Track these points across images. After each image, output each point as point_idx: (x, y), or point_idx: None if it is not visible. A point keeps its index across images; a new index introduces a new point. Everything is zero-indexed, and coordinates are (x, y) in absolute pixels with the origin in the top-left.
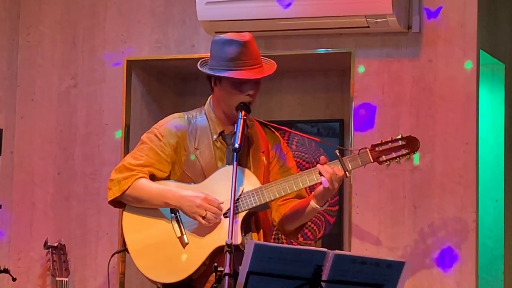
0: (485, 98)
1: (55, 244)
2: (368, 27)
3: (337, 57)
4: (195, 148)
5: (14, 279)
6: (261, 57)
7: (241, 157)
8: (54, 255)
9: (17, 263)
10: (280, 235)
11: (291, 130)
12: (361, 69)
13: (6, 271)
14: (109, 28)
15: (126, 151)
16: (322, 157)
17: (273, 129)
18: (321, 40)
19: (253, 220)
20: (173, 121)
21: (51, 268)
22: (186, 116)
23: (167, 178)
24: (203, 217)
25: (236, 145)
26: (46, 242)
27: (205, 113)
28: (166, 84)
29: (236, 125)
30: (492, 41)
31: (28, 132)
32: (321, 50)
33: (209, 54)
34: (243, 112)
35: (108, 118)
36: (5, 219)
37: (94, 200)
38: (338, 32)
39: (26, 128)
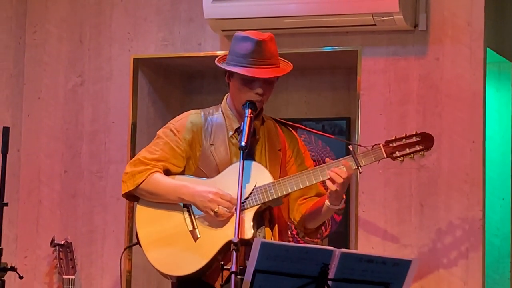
0: (492, 96)
1: (62, 242)
2: (375, 25)
3: (343, 55)
4: (210, 144)
5: (21, 277)
6: (280, 58)
7: (257, 155)
8: (60, 253)
9: (24, 261)
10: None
11: (308, 129)
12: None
13: (13, 269)
14: (115, 26)
15: (133, 149)
16: (327, 160)
17: (290, 128)
18: (328, 38)
19: (267, 216)
20: (190, 117)
21: (58, 266)
22: (202, 113)
23: (182, 173)
24: (215, 212)
25: (243, 143)
26: (52, 240)
27: (221, 110)
28: (172, 82)
29: (242, 123)
30: (499, 39)
31: (34, 130)
32: (328, 48)
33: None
34: (250, 110)
35: (114, 116)
36: (12, 217)
37: (100, 198)
38: (344, 30)
39: (32, 126)
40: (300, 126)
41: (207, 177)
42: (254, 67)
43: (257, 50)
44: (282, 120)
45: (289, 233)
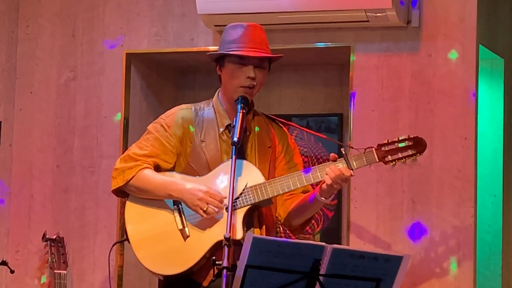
0: (484, 93)
1: (54, 237)
2: (368, 21)
3: (336, 51)
4: (201, 141)
5: (12, 272)
6: (271, 50)
7: (247, 151)
8: (52, 247)
9: (15, 255)
10: (279, 229)
11: (298, 126)
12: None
13: (4, 263)
14: (108, 21)
15: (125, 144)
16: (332, 155)
17: (281, 124)
18: (321, 34)
19: (256, 216)
20: (180, 112)
21: (50, 260)
22: (193, 108)
23: (172, 169)
24: (204, 211)
25: (235, 139)
26: (44, 235)
27: (213, 106)
28: (165, 77)
29: (235, 118)
30: (491, 36)
31: (26, 125)
32: (321, 44)
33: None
34: (242, 105)
35: (107, 111)
36: (3, 211)
37: (92, 193)
38: (337, 26)
39: (25, 120)
40: (292, 123)
41: (198, 174)
42: (245, 49)
43: (247, 34)
44: (273, 117)
45: (280, 228)
